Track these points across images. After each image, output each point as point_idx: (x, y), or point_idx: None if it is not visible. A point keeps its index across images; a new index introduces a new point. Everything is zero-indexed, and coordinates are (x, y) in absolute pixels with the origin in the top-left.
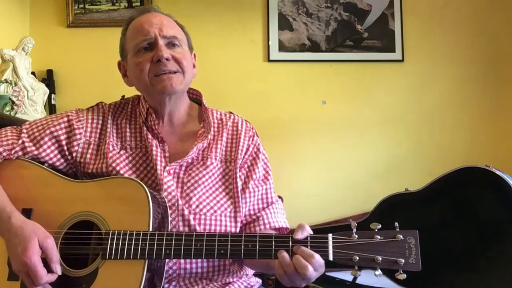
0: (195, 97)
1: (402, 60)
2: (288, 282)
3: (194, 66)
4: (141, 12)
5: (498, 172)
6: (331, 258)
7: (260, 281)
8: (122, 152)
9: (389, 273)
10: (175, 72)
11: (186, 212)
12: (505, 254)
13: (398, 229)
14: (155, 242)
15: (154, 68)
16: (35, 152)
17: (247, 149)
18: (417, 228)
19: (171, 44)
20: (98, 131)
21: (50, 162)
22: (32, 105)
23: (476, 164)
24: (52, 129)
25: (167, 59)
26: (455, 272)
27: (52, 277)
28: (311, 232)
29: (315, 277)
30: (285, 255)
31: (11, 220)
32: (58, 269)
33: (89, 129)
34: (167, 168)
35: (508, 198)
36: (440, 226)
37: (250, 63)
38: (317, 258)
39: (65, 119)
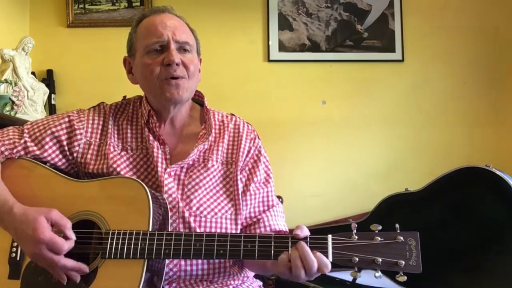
0: (197, 98)
1: (402, 60)
2: (286, 272)
3: (199, 71)
4: (154, 11)
5: (498, 172)
6: (330, 259)
7: (261, 283)
8: (123, 153)
9: (390, 274)
10: (182, 78)
11: (186, 214)
12: (505, 254)
13: (398, 231)
14: (155, 241)
15: (164, 71)
16: (37, 152)
17: (248, 152)
18: (417, 228)
19: (182, 49)
20: (99, 131)
21: (52, 162)
22: (32, 105)
23: (476, 164)
24: (54, 129)
25: (177, 64)
26: (455, 272)
27: (71, 243)
28: (309, 233)
29: (315, 271)
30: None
31: (13, 211)
32: (72, 234)
33: (90, 130)
34: (168, 170)
35: (508, 198)
36: (440, 226)
37: (250, 63)
38: (319, 255)
39: (66, 119)
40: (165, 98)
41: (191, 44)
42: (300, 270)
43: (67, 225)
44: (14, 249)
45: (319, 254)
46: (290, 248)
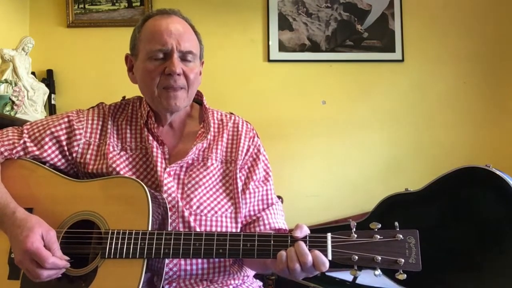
0: (196, 97)
1: (402, 60)
2: (285, 269)
3: (200, 74)
4: (162, 13)
5: (498, 172)
6: (330, 257)
7: (261, 284)
8: (122, 153)
9: (390, 273)
10: (181, 88)
11: (186, 213)
12: (505, 254)
13: (398, 229)
14: (154, 241)
15: (164, 80)
16: (37, 153)
17: (248, 150)
18: (417, 228)
19: (184, 58)
20: (98, 131)
21: (51, 162)
22: (32, 105)
23: (476, 164)
24: (53, 129)
25: (178, 75)
26: (455, 272)
27: (58, 261)
28: (309, 232)
29: (310, 266)
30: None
31: (15, 215)
32: (63, 256)
33: (89, 130)
34: (168, 169)
35: (508, 198)
36: (440, 226)
37: (250, 63)
38: (317, 252)
39: (66, 119)
40: (162, 106)
41: (194, 52)
42: (295, 263)
43: (56, 251)
44: None
45: (317, 252)
46: (289, 247)
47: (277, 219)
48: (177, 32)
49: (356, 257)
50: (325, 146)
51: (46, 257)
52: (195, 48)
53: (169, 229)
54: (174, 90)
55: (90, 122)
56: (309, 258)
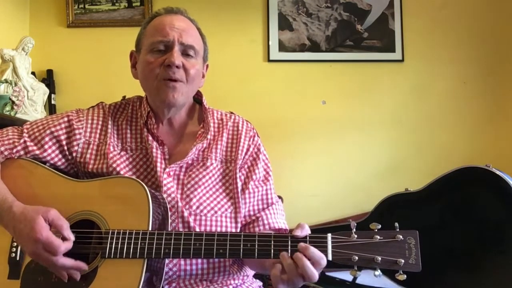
0: (196, 97)
1: (402, 60)
2: (285, 280)
3: (203, 76)
4: (168, 11)
5: (498, 172)
6: (330, 258)
7: (261, 284)
8: (122, 153)
9: (390, 273)
10: (180, 81)
11: (186, 214)
12: (505, 254)
13: (398, 229)
14: (154, 241)
15: (163, 72)
16: (37, 152)
17: (247, 150)
18: (417, 228)
19: (186, 53)
20: (98, 131)
21: (52, 162)
22: (32, 105)
23: (476, 164)
24: (53, 129)
25: (177, 67)
26: (455, 272)
27: (69, 244)
28: (310, 232)
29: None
30: (285, 253)
31: (12, 209)
32: (70, 235)
33: (89, 129)
34: (167, 169)
35: (508, 198)
36: (440, 226)
37: (250, 63)
38: (317, 253)
39: (66, 119)
40: (160, 99)
41: (196, 49)
42: (310, 269)
43: (64, 225)
44: (14, 249)
45: (312, 248)
46: (289, 248)
47: (277, 219)
48: (181, 27)
49: (356, 258)
50: (325, 146)
51: (57, 245)
52: (197, 45)
53: (169, 229)
54: (172, 82)
55: (90, 121)
56: (324, 260)
